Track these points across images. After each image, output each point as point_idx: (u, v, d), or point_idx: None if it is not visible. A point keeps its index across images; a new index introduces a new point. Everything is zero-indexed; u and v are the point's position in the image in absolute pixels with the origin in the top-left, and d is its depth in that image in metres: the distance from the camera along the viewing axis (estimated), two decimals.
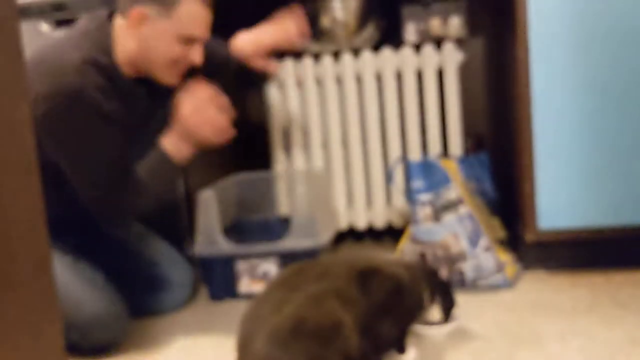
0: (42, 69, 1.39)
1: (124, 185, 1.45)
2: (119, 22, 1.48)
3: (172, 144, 1.50)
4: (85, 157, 1.43)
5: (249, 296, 1.71)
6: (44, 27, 1.86)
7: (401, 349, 1.27)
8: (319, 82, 2.07)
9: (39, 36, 1.86)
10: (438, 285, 1.35)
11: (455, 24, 1.96)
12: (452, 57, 1.97)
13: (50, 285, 0.68)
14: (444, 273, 1.36)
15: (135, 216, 1.60)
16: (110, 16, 1.50)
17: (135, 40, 1.47)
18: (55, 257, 1.44)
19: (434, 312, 1.38)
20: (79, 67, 1.38)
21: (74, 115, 1.38)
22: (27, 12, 1.84)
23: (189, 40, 1.48)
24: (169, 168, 1.51)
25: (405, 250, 1.82)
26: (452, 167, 1.76)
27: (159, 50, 1.47)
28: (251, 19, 1.82)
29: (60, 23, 1.85)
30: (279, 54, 1.97)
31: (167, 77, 1.51)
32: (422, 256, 1.67)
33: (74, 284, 1.46)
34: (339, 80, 2.06)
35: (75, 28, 1.51)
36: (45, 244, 0.69)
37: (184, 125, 1.49)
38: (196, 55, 1.50)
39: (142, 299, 1.69)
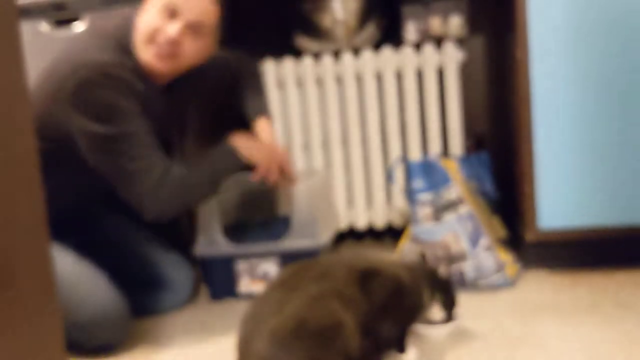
0: (66, 67, 1.41)
1: (163, 162, 1.44)
2: None
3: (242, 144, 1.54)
4: (123, 128, 1.40)
5: (249, 296, 1.71)
6: (44, 27, 1.86)
7: (401, 349, 1.27)
8: (319, 81, 2.07)
9: (39, 36, 1.86)
10: (439, 285, 1.35)
11: (456, 23, 1.96)
12: (452, 57, 1.97)
13: (50, 284, 0.68)
14: (444, 273, 1.36)
15: (184, 205, 1.54)
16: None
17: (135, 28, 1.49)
18: (58, 256, 1.46)
19: (435, 312, 1.37)
20: (104, 62, 1.41)
21: (105, 87, 1.39)
22: (27, 12, 1.84)
23: (170, 13, 1.45)
24: (231, 164, 1.53)
25: (406, 250, 1.82)
26: (452, 167, 1.76)
27: (141, 24, 1.47)
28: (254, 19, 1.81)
29: (60, 23, 1.85)
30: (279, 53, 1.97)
31: (147, 55, 1.47)
32: (422, 256, 1.67)
33: (78, 282, 1.46)
34: (339, 80, 2.06)
35: (95, 28, 1.54)
36: (46, 243, 0.69)
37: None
38: (172, 28, 1.44)
39: (143, 299, 1.69)
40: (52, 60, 1.48)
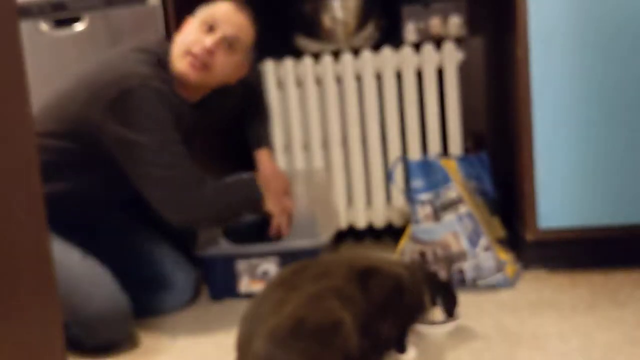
0: (108, 75, 1.46)
1: (191, 173, 1.49)
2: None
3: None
4: (161, 137, 1.46)
5: (249, 296, 1.72)
6: (44, 26, 1.86)
7: (401, 349, 1.27)
8: (319, 81, 2.07)
9: (39, 36, 1.86)
10: (439, 285, 1.35)
11: (455, 23, 1.96)
12: (452, 57, 1.97)
13: (51, 283, 0.68)
14: (444, 272, 1.36)
15: (209, 219, 1.60)
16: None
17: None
18: (63, 253, 1.47)
19: (435, 311, 1.37)
20: (145, 74, 1.47)
21: (145, 97, 1.44)
22: (27, 12, 1.85)
23: (208, 27, 1.52)
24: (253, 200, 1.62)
25: (406, 249, 1.82)
26: (452, 167, 1.76)
27: (180, 39, 1.54)
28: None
29: (60, 23, 1.86)
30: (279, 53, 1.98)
31: (182, 65, 1.52)
32: (422, 255, 1.68)
33: (81, 280, 1.47)
34: (339, 80, 2.06)
35: (135, 43, 1.60)
36: (46, 241, 0.69)
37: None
38: (208, 40, 1.51)
39: (145, 299, 1.69)
40: (92, 68, 1.53)
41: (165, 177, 1.46)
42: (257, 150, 1.82)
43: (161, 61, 1.53)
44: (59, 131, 1.50)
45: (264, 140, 1.84)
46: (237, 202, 1.60)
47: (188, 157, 1.50)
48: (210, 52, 1.51)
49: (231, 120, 1.81)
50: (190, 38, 1.52)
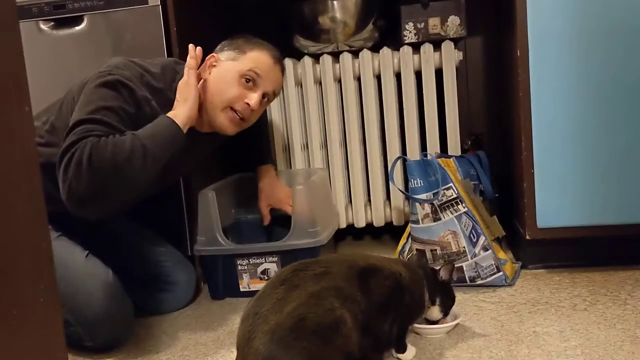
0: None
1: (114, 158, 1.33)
2: (200, 68, 1.56)
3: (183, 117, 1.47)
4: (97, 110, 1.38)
5: (249, 295, 1.71)
6: (44, 27, 1.86)
7: (401, 348, 1.27)
8: (319, 82, 2.07)
9: (39, 36, 1.87)
10: (437, 284, 1.35)
11: (454, 23, 1.96)
12: (450, 57, 1.97)
13: (52, 282, 0.68)
14: (443, 271, 1.37)
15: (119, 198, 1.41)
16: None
17: (204, 83, 1.54)
18: (66, 252, 1.47)
19: (433, 310, 1.37)
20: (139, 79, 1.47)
21: (110, 88, 1.41)
22: (27, 12, 1.85)
23: (249, 79, 1.54)
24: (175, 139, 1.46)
25: (405, 248, 1.83)
26: (451, 166, 1.77)
27: (219, 88, 1.54)
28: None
29: (60, 23, 1.86)
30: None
31: (222, 119, 1.54)
32: (421, 253, 1.68)
33: (84, 279, 1.47)
34: (339, 80, 2.06)
35: (158, 60, 1.60)
36: (47, 240, 0.69)
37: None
38: (253, 99, 1.54)
39: (145, 299, 1.70)
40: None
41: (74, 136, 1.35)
42: (259, 167, 1.87)
43: (148, 80, 1.50)
44: (62, 128, 1.49)
45: (267, 156, 1.89)
46: (154, 149, 1.40)
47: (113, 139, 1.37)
48: (252, 110, 1.55)
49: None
50: (233, 93, 1.53)
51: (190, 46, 1.52)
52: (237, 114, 1.54)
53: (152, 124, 1.42)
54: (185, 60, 1.53)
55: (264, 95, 1.58)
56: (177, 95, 1.49)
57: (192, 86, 1.48)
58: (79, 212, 1.35)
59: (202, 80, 1.55)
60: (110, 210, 1.42)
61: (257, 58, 1.56)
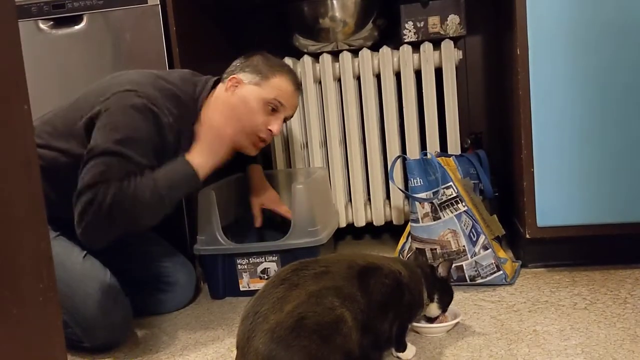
0: (116, 84, 1.47)
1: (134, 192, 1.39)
2: (219, 87, 1.63)
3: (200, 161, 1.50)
4: (131, 153, 1.39)
5: (249, 294, 1.71)
6: (44, 26, 1.86)
7: (401, 347, 1.27)
8: (319, 81, 2.07)
9: (38, 35, 1.87)
10: (436, 281, 1.35)
11: (454, 22, 1.96)
12: (450, 56, 1.97)
13: (51, 282, 0.68)
14: (441, 268, 1.37)
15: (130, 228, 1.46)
16: (217, 82, 1.64)
17: (224, 103, 1.59)
18: (64, 252, 1.46)
19: (431, 307, 1.37)
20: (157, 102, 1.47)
21: (137, 111, 1.42)
22: (27, 12, 1.85)
23: (273, 108, 1.60)
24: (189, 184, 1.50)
25: (405, 247, 1.83)
26: (450, 165, 1.77)
27: (243, 113, 1.58)
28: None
29: (59, 22, 1.86)
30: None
31: (247, 143, 1.61)
32: (420, 252, 1.68)
33: (82, 280, 1.47)
34: (338, 79, 2.06)
35: (176, 72, 1.63)
36: (46, 240, 0.69)
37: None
38: (275, 126, 1.60)
39: (145, 299, 1.70)
40: (106, 79, 1.55)
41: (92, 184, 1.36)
42: (249, 166, 1.89)
43: (176, 94, 1.53)
44: (68, 135, 1.49)
45: (256, 158, 1.89)
46: (170, 194, 1.46)
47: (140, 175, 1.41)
48: (274, 134, 1.63)
49: None
50: (259, 121, 1.59)
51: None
52: (261, 139, 1.61)
53: (174, 171, 1.45)
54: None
55: (283, 120, 1.65)
56: (207, 138, 1.51)
57: (225, 141, 1.52)
58: (90, 246, 1.46)
59: (223, 99, 1.60)
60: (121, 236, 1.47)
61: (281, 86, 1.62)
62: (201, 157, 1.48)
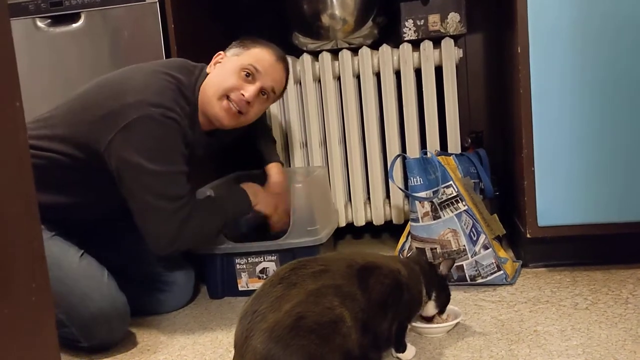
0: (127, 96, 1.45)
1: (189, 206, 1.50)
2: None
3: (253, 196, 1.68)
4: (170, 168, 1.46)
5: (248, 294, 1.70)
6: (41, 24, 1.85)
7: (401, 347, 1.26)
8: (318, 79, 2.06)
9: (36, 34, 1.86)
10: (434, 278, 1.34)
11: (454, 20, 1.95)
12: (450, 54, 1.96)
13: (44, 282, 0.67)
14: (443, 266, 1.36)
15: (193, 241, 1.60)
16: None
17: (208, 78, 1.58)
18: (62, 252, 1.46)
19: (429, 305, 1.36)
20: (166, 105, 1.47)
21: (162, 126, 1.44)
22: (24, 10, 1.84)
23: (247, 73, 1.56)
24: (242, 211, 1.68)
25: (405, 247, 1.82)
26: (451, 164, 1.76)
27: (219, 79, 1.56)
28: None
29: (57, 20, 1.85)
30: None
31: (218, 108, 1.55)
32: (419, 250, 1.67)
33: (80, 279, 1.46)
34: (338, 78, 2.05)
35: (160, 62, 1.64)
36: (39, 240, 0.68)
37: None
38: (248, 90, 1.55)
39: (143, 299, 1.69)
40: (114, 79, 1.52)
41: (165, 209, 1.46)
42: (269, 164, 1.85)
43: (182, 89, 1.52)
44: (68, 137, 1.48)
45: (275, 155, 1.89)
46: (225, 219, 1.65)
47: (188, 189, 1.52)
48: (247, 102, 1.55)
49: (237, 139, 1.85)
50: (230, 83, 1.55)
51: None
52: (232, 104, 1.55)
53: (236, 206, 1.66)
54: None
55: (263, 92, 1.58)
56: (274, 189, 1.75)
57: (283, 199, 1.73)
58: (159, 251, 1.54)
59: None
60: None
61: (259, 54, 1.59)
62: (261, 198, 1.70)
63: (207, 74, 1.59)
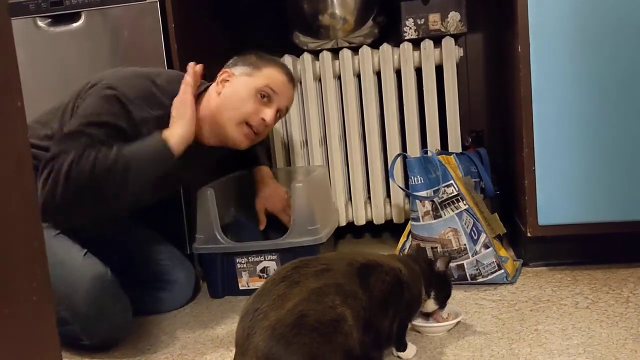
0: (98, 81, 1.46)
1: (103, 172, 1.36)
2: (211, 86, 1.60)
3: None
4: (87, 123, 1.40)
5: (248, 293, 1.71)
6: (42, 23, 1.85)
7: (401, 346, 1.26)
8: (319, 79, 2.06)
9: (36, 33, 1.85)
10: (433, 276, 1.34)
11: (454, 19, 1.95)
12: (451, 53, 1.96)
13: (45, 279, 0.67)
14: (439, 263, 1.36)
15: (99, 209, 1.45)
16: (208, 87, 1.62)
17: (216, 97, 1.56)
18: (64, 251, 1.45)
19: (429, 303, 1.36)
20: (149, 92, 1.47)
21: (104, 101, 1.42)
22: (24, 9, 1.84)
23: (264, 95, 1.55)
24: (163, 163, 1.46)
25: (405, 246, 1.82)
26: (451, 163, 1.76)
27: (234, 103, 1.54)
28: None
29: (57, 20, 1.85)
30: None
31: (237, 134, 1.55)
32: (419, 248, 1.67)
33: (82, 278, 1.45)
34: (338, 77, 2.05)
35: (165, 73, 1.60)
36: (40, 238, 0.68)
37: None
38: (268, 114, 1.55)
39: (145, 298, 1.69)
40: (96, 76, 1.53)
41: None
42: (257, 167, 1.86)
43: (158, 94, 1.50)
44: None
45: (263, 157, 1.89)
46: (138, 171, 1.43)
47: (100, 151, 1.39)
48: (266, 125, 1.57)
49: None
50: (248, 109, 1.54)
51: (190, 64, 1.52)
52: (252, 129, 1.56)
53: (143, 141, 1.43)
54: (191, 59, 1.54)
55: (277, 111, 1.60)
56: (173, 112, 1.48)
57: (188, 104, 1.48)
58: (54, 219, 1.42)
59: (214, 94, 1.57)
60: (92, 218, 1.47)
61: (272, 75, 1.58)
62: (171, 128, 1.46)
63: (204, 90, 1.59)
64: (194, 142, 1.51)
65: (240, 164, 1.89)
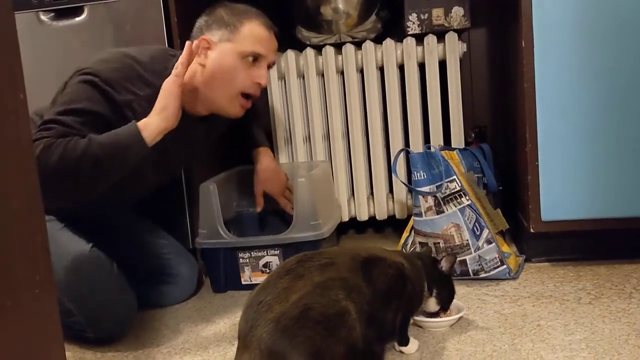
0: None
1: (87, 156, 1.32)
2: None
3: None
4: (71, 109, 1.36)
5: (251, 288, 1.70)
6: (45, 17, 1.85)
7: (404, 341, 1.26)
8: (321, 74, 2.06)
9: (39, 27, 1.85)
10: (436, 274, 1.34)
11: (458, 14, 1.94)
12: (454, 48, 1.95)
13: (47, 272, 0.67)
14: (444, 262, 1.36)
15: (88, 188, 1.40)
16: None
17: (202, 71, 1.50)
18: (70, 245, 1.45)
19: (431, 302, 1.36)
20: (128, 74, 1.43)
21: (82, 87, 1.39)
22: (27, 3, 1.84)
23: (252, 58, 1.50)
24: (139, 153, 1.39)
25: (408, 241, 1.82)
26: (454, 159, 1.75)
27: (224, 76, 1.49)
28: None
29: (60, 14, 1.85)
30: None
31: (232, 108, 1.53)
32: (422, 246, 1.67)
33: (87, 271, 1.46)
34: (341, 72, 2.05)
35: (149, 50, 1.54)
36: (43, 231, 0.68)
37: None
38: (262, 77, 1.51)
39: (148, 292, 1.69)
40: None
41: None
42: (256, 149, 1.84)
43: (142, 72, 1.46)
44: None
45: (262, 139, 1.87)
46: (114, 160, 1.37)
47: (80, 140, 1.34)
48: (262, 86, 1.53)
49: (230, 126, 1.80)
50: (241, 80, 1.50)
51: (188, 42, 1.45)
52: (247, 97, 1.53)
53: (117, 131, 1.36)
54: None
55: (268, 68, 1.56)
56: (158, 99, 1.40)
57: (174, 95, 1.39)
58: None
59: (198, 66, 1.49)
60: (68, 204, 1.46)
61: (253, 33, 1.51)
62: (150, 117, 1.38)
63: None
64: (185, 117, 1.45)
65: (242, 143, 1.87)
